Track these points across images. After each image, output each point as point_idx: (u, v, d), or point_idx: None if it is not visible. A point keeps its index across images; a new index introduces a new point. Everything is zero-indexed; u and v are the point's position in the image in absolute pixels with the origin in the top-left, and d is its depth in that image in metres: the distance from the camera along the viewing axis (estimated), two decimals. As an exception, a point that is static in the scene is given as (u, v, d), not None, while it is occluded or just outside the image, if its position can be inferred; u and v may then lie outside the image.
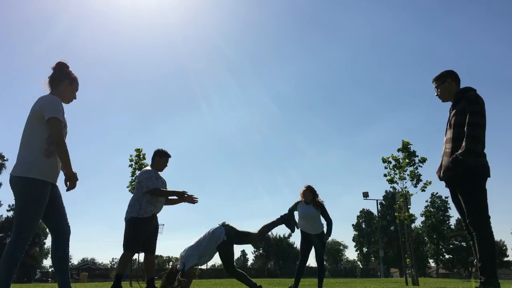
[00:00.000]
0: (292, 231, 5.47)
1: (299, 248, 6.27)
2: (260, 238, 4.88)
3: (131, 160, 10.35)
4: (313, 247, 6.10)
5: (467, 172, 3.27)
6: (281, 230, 68.79)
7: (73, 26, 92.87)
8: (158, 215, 5.23)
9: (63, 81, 3.11)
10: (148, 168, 5.32)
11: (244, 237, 4.71)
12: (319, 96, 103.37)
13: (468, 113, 3.27)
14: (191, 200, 5.09)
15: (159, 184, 5.07)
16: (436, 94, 3.65)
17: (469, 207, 3.27)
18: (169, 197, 5.23)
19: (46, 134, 2.91)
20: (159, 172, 5.29)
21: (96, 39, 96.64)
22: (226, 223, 4.73)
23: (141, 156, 10.44)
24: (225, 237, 4.47)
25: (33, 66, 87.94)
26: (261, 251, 65.12)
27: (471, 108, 3.26)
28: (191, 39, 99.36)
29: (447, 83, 3.55)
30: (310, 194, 6.14)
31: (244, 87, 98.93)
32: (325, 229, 6.12)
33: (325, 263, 6.13)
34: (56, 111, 2.90)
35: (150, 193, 4.98)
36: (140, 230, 4.94)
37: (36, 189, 2.87)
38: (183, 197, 5.09)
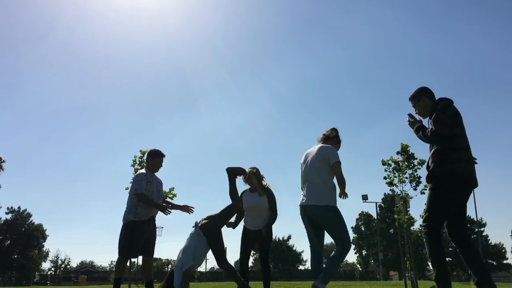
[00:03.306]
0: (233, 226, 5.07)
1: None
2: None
3: (134, 162, 10.33)
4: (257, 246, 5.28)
5: (433, 179, 3.44)
6: (280, 232, 68.53)
7: (73, 27, 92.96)
8: (156, 217, 5.21)
9: (332, 140, 4.33)
10: (142, 171, 5.24)
11: (224, 216, 4.68)
12: (318, 97, 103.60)
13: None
14: (187, 209, 5.19)
15: (152, 188, 5.05)
16: (415, 112, 3.78)
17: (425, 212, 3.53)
18: (166, 201, 5.36)
19: (330, 173, 4.08)
20: (155, 173, 5.23)
21: (96, 40, 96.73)
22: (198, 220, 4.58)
23: (145, 157, 10.34)
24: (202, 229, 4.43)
25: (33, 67, 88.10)
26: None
27: (433, 117, 3.42)
28: (190, 40, 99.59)
29: (422, 101, 3.69)
30: (254, 178, 5.09)
31: (243, 88, 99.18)
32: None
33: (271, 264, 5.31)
34: (338, 157, 4.09)
35: (136, 197, 4.95)
36: (138, 234, 4.91)
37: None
38: (179, 207, 5.22)
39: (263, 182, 5.14)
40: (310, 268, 4.35)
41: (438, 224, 3.42)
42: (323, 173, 4.06)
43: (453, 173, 3.31)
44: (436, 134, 3.34)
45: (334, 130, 4.44)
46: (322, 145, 4.25)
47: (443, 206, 3.37)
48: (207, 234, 4.40)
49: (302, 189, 4.22)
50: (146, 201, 4.96)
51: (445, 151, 3.36)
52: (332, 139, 4.35)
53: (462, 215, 3.46)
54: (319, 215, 4.00)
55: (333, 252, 4.01)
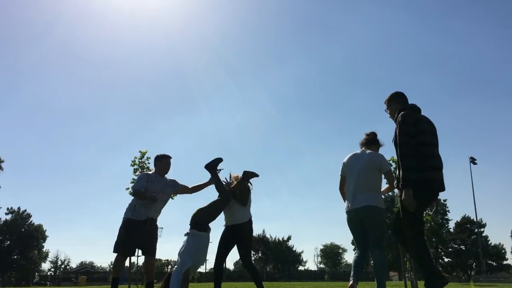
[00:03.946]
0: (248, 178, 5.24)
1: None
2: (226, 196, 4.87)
3: (133, 163, 10.32)
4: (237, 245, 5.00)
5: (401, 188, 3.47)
6: (280, 233, 68.61)
7: (73, 27, 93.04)
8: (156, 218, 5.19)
9: (374, 145, 4.42)
10: (146, 172, 5.27)
11: (213, 208, 4.69)
12: (318, 97, 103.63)
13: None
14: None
15: (156, 188, 5.01)
16: (389, 116, 3.89)
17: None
18: (194, 186, 5.35)
19: (381, 180, 4.26)
20: (166, 176, 5.25)
21: (96, 40, 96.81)
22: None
23: (145, 158, 10.38)
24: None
25: (33, 67, 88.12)
26: (260, 255, 64.98)
27: (396, 135, 3.50)
28: (190, 40, 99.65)
29: (392, 106, 3.81)
30: (235, 181, 5.21)
31: (243, 88, 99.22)
32: (248, 219, 4.98)
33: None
34: (389, 165, 4.24)
35: (132, 192, 5.07)
36: (134, 232, 4.90)
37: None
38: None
39: (248, 184, 5.20)
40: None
41: (423, 234, 3.45)
42: (376, 178, 4.20)
43: (421, 181, 3.33)
44: (405, 157, 3.36)
45: (375, 134, 4.53)
46: (371, 151, 4.32)
47: (420, 217, 3.43)
48: (197, 223, 4.39)
49: (350, 192, 4.22)
50: (137, 195, 4.98)
51: (412, 159, 3.36)
52: (375, 143, 4.44)
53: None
54: (375, 216, 4.09)
55: (375, 259, 4.07)
